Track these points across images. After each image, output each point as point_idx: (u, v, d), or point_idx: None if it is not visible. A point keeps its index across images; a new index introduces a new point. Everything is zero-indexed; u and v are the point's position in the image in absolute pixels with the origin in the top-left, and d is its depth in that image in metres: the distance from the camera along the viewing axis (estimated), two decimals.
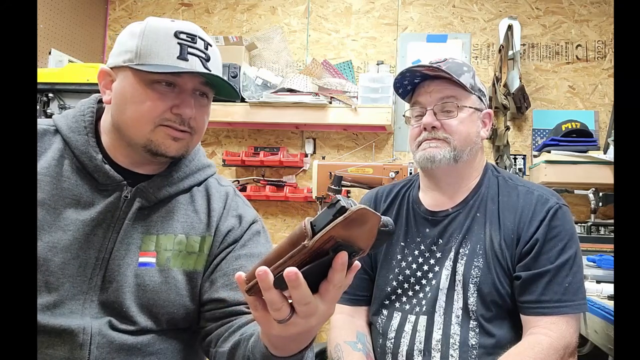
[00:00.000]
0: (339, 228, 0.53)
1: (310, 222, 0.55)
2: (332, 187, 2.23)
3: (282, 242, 0.57)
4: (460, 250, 1.15)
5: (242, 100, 2.63)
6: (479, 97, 1.20)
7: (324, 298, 0.60)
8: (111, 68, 0.93)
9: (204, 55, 0.91)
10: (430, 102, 1.17)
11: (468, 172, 1.21)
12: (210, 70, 0.91)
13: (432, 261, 1.18)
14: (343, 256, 0.56)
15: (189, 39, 0.90)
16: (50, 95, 2.32)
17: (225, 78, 1.00)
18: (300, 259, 0.55)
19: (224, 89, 0.96)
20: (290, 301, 0.59)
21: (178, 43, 0.89)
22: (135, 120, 0.90)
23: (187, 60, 0.89)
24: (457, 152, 1.16)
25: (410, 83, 1.21)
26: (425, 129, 1.17)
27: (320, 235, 0.53)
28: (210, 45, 0.94)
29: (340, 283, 0.59)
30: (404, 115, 1.26)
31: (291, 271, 0.54)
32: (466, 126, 1.16)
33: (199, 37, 0.92)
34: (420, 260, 1.20)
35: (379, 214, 0.56)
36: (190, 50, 0.90)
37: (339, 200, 0.53)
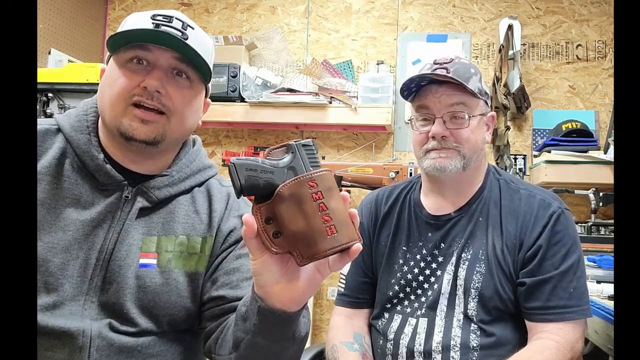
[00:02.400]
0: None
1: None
2: None
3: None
4: (462, 255, 1.15)
5: (242, 100, 2.63)
6: (485, 101, 1.19)
7: None
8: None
9: (179, 34, 0.88)
10: (440, 109, 1.14)
11: (473, 177, 1.21)
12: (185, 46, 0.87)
13: (434, 265, 1.18)
14: None
15: (165, 20, 0.88)
16: (50, 95, 2.31)
17: (208, 61, 0.94)
18: None
19: (202, 67, 0.91)
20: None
21: (152, 22, 0.88)
22: (110, 102, 0.88)
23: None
24: (467, 160, 1.15)
25: (417, 85, 1.18)
26: (434, 137, 1.14)
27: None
28: (192, 28, 0.91)
29: None
30: (409, 119, 1.22)
31: None
32: (475, 134, 1.15)
33: (176, 18, 0.89)
34: (422, 264, 1.19)
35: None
36: (163, 28, 0.87)
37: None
